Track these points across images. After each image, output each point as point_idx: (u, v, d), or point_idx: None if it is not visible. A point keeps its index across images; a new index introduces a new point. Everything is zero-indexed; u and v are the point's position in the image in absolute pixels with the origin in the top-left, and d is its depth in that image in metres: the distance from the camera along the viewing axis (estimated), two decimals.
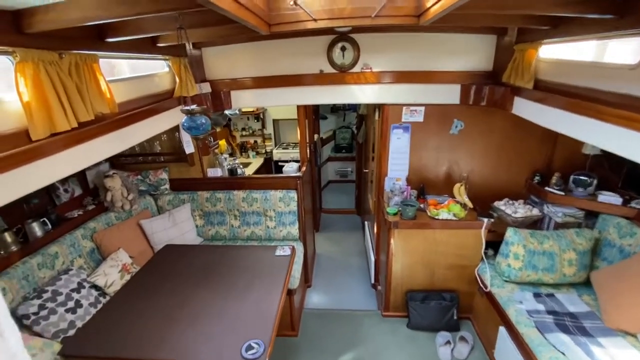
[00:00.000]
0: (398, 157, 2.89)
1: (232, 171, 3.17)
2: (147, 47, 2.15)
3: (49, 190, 2.57)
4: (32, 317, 1.86)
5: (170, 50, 2.38)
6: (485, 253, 2.68)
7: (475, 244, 2.66)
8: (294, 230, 3.11)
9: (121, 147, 1.91)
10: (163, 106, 2.32)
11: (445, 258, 2.75)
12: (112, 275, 2.38)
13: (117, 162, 3.11)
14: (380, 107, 2.91)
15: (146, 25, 1.68)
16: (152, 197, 3.12)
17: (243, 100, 2.84)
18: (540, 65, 2.12)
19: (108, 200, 2.79)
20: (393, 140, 2.84)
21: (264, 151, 5.01)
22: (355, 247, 4.29)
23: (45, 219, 2.38)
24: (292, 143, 5.25)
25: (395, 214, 2.71)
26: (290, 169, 3.48)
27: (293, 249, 2.46)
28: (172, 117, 2.46)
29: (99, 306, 2.20)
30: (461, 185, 2.77)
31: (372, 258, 3.44)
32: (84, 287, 2.22)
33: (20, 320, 1.84)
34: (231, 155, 5.00)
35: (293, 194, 3.03)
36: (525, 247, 2.38)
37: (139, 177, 3.06)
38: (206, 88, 2.76)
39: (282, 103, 2.85)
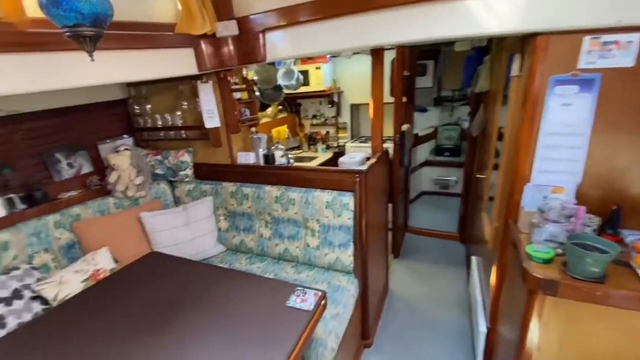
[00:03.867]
0: (560, 145, 1.42)
1: (268, 158, 2.20)
2: None
3: (46, 163, 2.08)
4: None
5: None
6: None
7: None
8: (346, 257, 1.93)
9: (24, 87, 1.13)
10: (156, 39, 1.51)
11: None
12: (70, 286, 1.66)
13: (140, 138, 2.52)
14: (525, 44, 1.50)
15: None
16: (169, 185, 2.41)
17: (282, 47, 1.83)
18: None
19: (111, 182, 2.17)
20: (551, 108, 1.39)
21: (336, 144, 3.94)
22: (453, 292, 2.81)
23: (19, 195, 1.85)
24: None
25: (548, 261, 1.27)
26: (350, 160, 2.26)
27: (323, 298, 1.31)
28: (166, 62, 1.64)
29: None
30: None
31: (483, 327, 1.97)
32: (20, 297, 1.54)
33: None
34: (298, 147, 4.14)
35: (348, 199, 1.87)
36: None
37: (159, 157, 2.39)
38: (232, 28, 1.87)
39: (341, 46, 1.72)
